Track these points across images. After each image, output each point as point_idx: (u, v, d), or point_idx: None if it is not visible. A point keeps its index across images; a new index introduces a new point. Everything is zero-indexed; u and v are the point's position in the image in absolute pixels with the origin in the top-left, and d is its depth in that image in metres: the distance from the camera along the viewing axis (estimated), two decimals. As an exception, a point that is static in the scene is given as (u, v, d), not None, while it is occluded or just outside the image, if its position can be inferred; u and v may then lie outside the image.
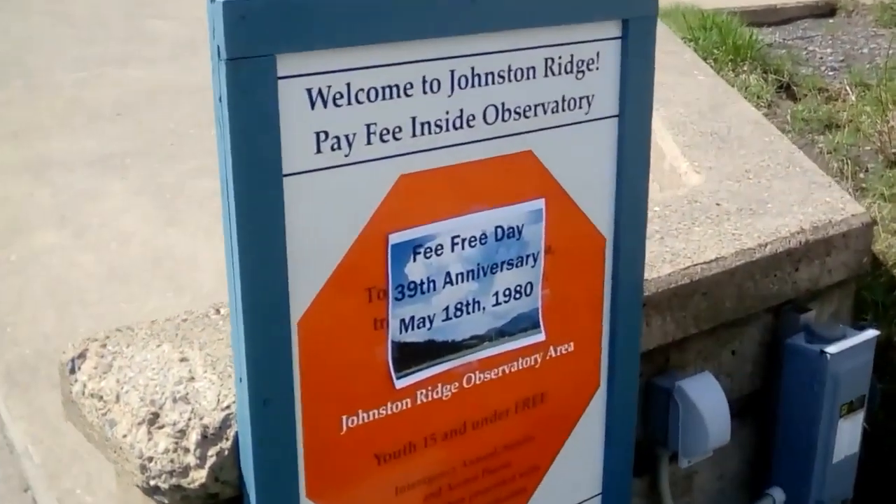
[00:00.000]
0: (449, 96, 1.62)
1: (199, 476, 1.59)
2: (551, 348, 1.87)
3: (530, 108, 1.72)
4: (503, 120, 1.70)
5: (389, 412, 1.70)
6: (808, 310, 2.40)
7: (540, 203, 1.78)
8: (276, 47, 1.44)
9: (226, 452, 1.60)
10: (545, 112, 1.74)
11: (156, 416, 1.63)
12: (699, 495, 2.40)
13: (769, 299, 2.31)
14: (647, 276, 2.05)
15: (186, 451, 1.60)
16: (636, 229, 1.91)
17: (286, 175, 1.50)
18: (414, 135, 1.61)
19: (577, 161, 1.81)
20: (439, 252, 1.68)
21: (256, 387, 1.55)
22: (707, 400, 2.11)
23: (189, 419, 1.61)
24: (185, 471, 1.60)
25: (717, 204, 2.43)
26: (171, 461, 1.60)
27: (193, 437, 1.60)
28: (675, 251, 2.15)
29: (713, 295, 2.17)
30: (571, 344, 1.90)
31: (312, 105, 1.50)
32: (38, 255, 3.46)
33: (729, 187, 2.54)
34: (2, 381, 2.82)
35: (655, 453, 2.20)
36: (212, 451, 1.60)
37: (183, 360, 1.73)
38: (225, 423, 1.61)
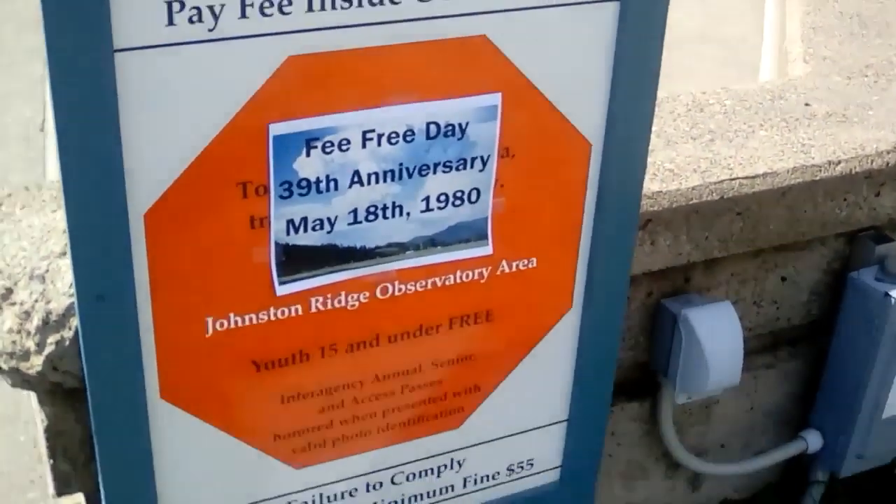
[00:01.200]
0: (362, -36, 1.44)
1: (37, 362, 1.60)
2: (504, 263, 1.74)
3: (487, -17, 1.51)
4: (444, -4, 1.50)
5: (272, 318, 1.64)
6: (889, 240, 2.15)
7: (494, 98, 1.60)
8: None
9: (66, 342, 1.59)
10: (509, -12, 1.52)
11: (10, 291, 1.63)
12: (718, 426, 2.29)
13: (835, 225, 2.07)
14: (661, 187, 1.86)
15: (28, 334, 1.61)
16: (635, 135, 1.69)
17: (119, 50, 1.38)
18: (310, 9, 1.44)
19: (554, 52, 1.58)
20: (344, 147, 1.55)
21: (88, 281, 1.51)
22: (715, 334, 1.95)
23: (36, 300, 1.60)
24: (26, 355, 1.61)
25: (806, 104, 2.14)
26: (13, 342, 1.61)
27: (36, 320, 1.60)
28: (715, 159, 1.93)
29: (751, 216, 1.96)
30: (534, 260, 1.77)
31: (161, -33, 1.36)
32: None
33: (833, 84, 2.23)
34: None
35: (657, 381, 2.10)
36: (52, 339, 1.60)
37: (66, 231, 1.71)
38: (69, 311, 1.60)
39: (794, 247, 2.22)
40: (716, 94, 2.27)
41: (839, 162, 2.04)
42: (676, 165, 1.98)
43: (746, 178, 1.97)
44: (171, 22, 1.34)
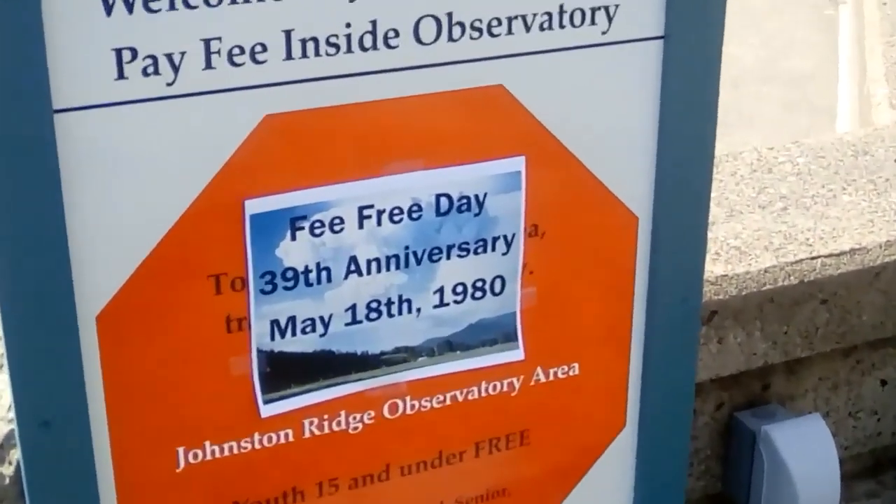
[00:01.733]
0: (351, 0, 1.31)
1: (-34, 505, 1.45)
2: (539, 370, 1.59)
3: (501, 22, 1.38)
4: (451, 38, 1.37)
5: (256, 447, 1.48)
6: None
7: (517, 163, 1.46)
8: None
9: (6, 480, 1.45)
10: (528, 28, 1.40)
11: (-71, 413, 1.49)
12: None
13: None
14: (727, 269, 1.72)
15: (-43, 468, 1.46)
16: (691, 205, 1.57)
17: (59, 111, 1.25)
18: (289, 56, 1.32)
19: (586, 104, 1.47)
20: (337, 228, 1.41)
21: (30, 403, 1.36)
22: (805, 457, 1.80)
23: (-35, 427, 1.46)
24: (-46, 495, 1.46)
25: None
26: (-64, 479, 1.46)
27: (-35, 452, 1.45)
28: (792, 233, 1.81)
29: (839, 304, 1.82)
30: (576, 366, 1.61)
31: (109, 9, 1.23)
32: None
33: None
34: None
35: (735, 516, 1.90)
36: (-15, 476, 1.45)
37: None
38: (9, 441, 1.46)
39: (894, 342, 2.08)
40: (786, 151, 2.15)
41: (945, 231, 1.90)
42: (743, 242, 1.85)
43: (830, 255, 1.84)
44: (121, 75, 1.24)
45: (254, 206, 1.37)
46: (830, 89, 4.30)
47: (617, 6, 1.42)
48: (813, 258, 1.87)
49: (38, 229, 1.28)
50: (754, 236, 1.92)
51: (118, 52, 1.26)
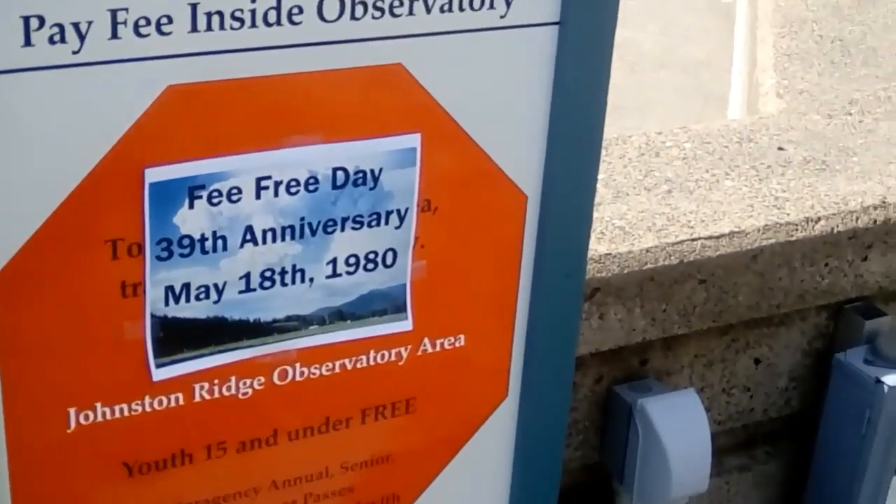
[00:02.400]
0: (256, -23, 1.40)
1: None
2: (426, 341, 1.69)
3: (402, 3, 1.48)
4: (353, 17, 1.46)
5: (147, 409, 1.56)
6: (880, 314, 2.14)
7: (412, 139, 1.56)
8: None
9: None
10: (429, 10, 1.49)
11: None
12: (685, 541, 2.24)
13: (815, 296, 2.07)
14: (610, 248, 1.84)
15: None
16: (579, 186, 1.67)
17: (-36, 75, 1.32)
18: (193, 29, 1.40)
19: (482, 85, 1.57)
20: (234, 197, 1.49)
21: (-78, 362, 1.43)
22: (679, 430, 1.92)
23: None
24: None
25: (780, 148, 2.16)
26: None
27: None
28: (675, 215, 1.93)
29: (717, 284, 1.95)
30: (462, 337, 1.71)
31: (17, -24, 1.31)
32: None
33: (811, 124, 2.26)
34: None
35: (611, 487, 2.04)
36: None
37: None
38: None
39: (768, 322, 2.21)
40: (673, 136, 2.27)
41: (818, 219, 2.04)
42: (628, 222, 1.96)
43: (710, 238, 1.96)
44: (28, 42, 1.30)
45: (153, 174, 1.45)
46: (724, 77, 4.43)
47: (515, -10, 1.53)
48: (693, 239, 2.00)
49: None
50: (639, 217, 2.04)
51: (26, 19, 1.32)
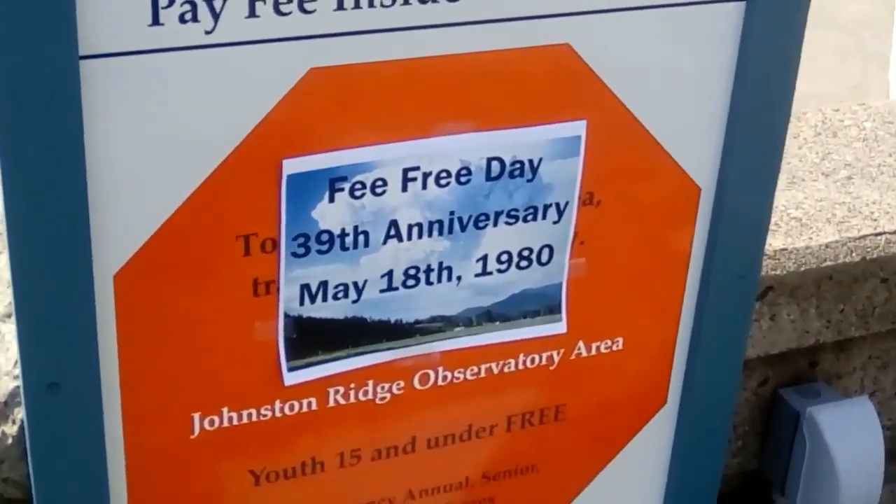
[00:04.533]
0: (412, -53, 1.26)
1: (-35, 464, 1.44)
2: (580, 344, 1.57)
3: (573, -24, 1.33)
4: (517, -9, 1.32)
5: (277, 415, 1.46)
6: None
7: (577, 127, 1.42)
8: None
9: (8, 440, 1.44)
10: (601, -17, 1.35)
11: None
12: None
13: None
14: (786, 242, 1.69)
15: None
16: (759, 178, 1.53)
17: (86, 57, 1.21)
18: (340, 6, 1.27)
19: (656, 66, 1.42)
20: (379, 190, 1.38)
21: (38, 364, 1.33)
22: (850, 442, 1.78)
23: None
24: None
25: None
26: (-69, 433, 1.44)
27: (-36, 406, 1.43)
28: (855, 205, 1.77)
29: None
30: (619, 340, 1.59)
31: (145, -53, 1.19)
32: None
33: None
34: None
35: (770, 497, 1.90)
36: (-14, 435, 1.43)
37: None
38: (14, 399, 1.44)
39: None
40: (852, 114, 2.11)
41: None
42: (805, 213, 1.81)
43: (895, 233, 1.78)
44: (156, 21, 1.18)
45: (292, 165, 1.33)
46: (885, 37, 4.22)
47: (698, -37, 1.38)
48: (877, 234, 1.84)
49: (57, 181, 1.24)
50: (817, 208, 1.89)
51: (155, -5, 1.21)
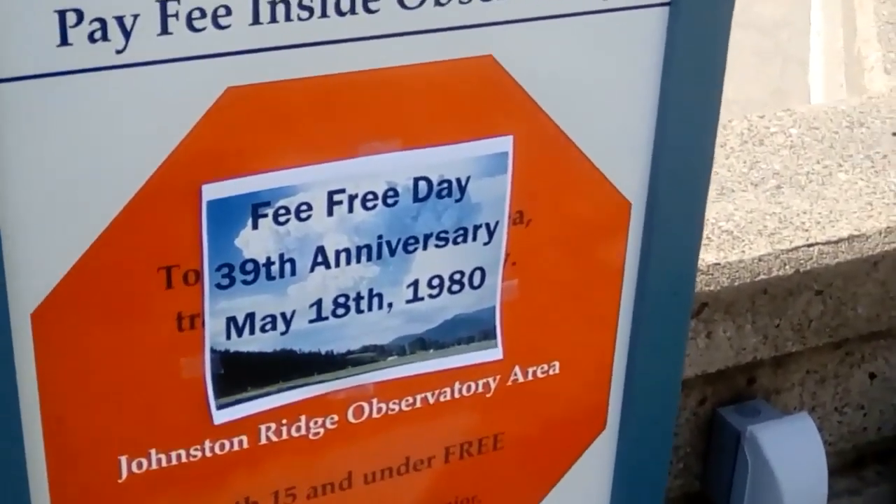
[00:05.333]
0: (328, -42, 1.20)
1: None
2: (517, 370, 1.50)
3: (494, -16, 1.28)
4: (437, 2, 1.27)
5: (207, 454, 1.38)
6: None
7: (504, 143, 1.37)
8: None
9: None
10: (523, -8, 1.30)
11: None
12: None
13: None
14: (719, 257, 1.65)
15: None
16: (690, 190, 1.48)
17: (-7, 82, 1.13)
18: (256, 21, 1.21)
19: (582, 76, 1.37)
20: (304, 214, 1.31)
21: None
22: (792, 459, 1.75)
23: None
24: None
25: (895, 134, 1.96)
26: None
27: None
28: (786, 215, 1.73)
29: (835, 295, 1.76)
30: (556, 364, 1.53)
31: (52, -36, 1.12)
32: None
33: None
34: None
35: (714, 520, 1.85)
36: None
37: None
38: None
39: (886, 334, 2.03)
40: (777, 120, 2.08)
41: (951, 214, 1.85)
42: (736, 225, 1.77)
43: (828, 243, 1.77)
44: (64, 41, 1.12)
45: (212, 190, 1.26)
46: (803, 38, 4.24)
47: (619, -31, 1.34)
48: (810, 245, 1.81)
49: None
50: (747, 219, 1.85)
51: (62, 14, 1.13)
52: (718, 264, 1.76)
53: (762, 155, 2.05)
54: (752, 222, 1.84)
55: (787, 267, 1.77)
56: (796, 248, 1.80)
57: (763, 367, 1.95)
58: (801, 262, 1.80)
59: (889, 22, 2.37)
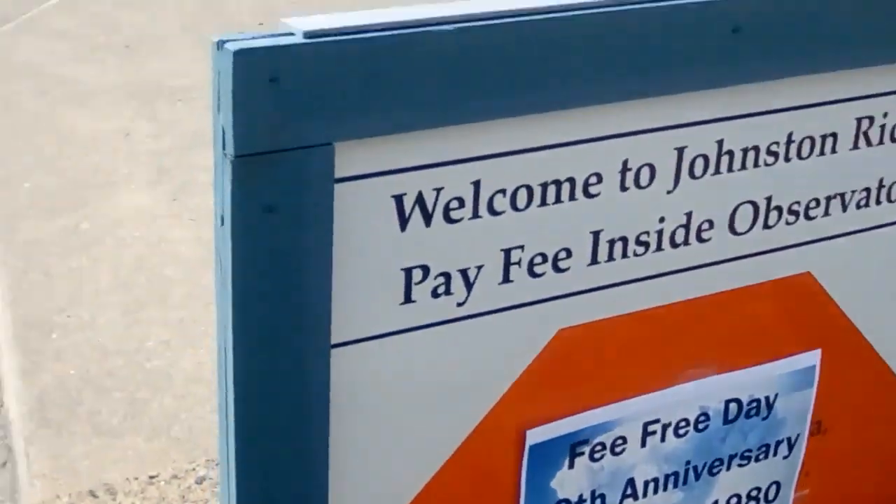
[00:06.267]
0: (669, 192, 1.10)
1: None
2: (801, 580, 1.40)
3: (819, 203, 1.19)
4: (766, 226, 1.17)
5: None
6: None
7: (812, 357, 1.27)
8: (337, 128, 0.94)
9: None
10: (844, 208, 1.20)
11: None
12: None
13: None
14: None
15: None
16: None
17: (337, 345, 1.02)
18: (594, 261, 1.10)
19: (883, 285, 1.28)
20: (618, 449, 1.20)
21: None
22: None
23: None
24: None
25: None
26: None
27: None
28: None
29: None
30: (836, 569, 1.42)
31: (404, 223, 1.01)
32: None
33: None
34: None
35: None
36: None
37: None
38: None
39: None
40: None
41: None
42: None
43: None
44: (408, 298, 1.01)
45: (535, 434, 1.16)
46: None
47: (937, 174, 1.25)
48: None
49: (294, 473, 1.06)
50: None
51: (408, 271, 1.04)
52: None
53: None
54: None
55: None
56: None
57: None
58: None
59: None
